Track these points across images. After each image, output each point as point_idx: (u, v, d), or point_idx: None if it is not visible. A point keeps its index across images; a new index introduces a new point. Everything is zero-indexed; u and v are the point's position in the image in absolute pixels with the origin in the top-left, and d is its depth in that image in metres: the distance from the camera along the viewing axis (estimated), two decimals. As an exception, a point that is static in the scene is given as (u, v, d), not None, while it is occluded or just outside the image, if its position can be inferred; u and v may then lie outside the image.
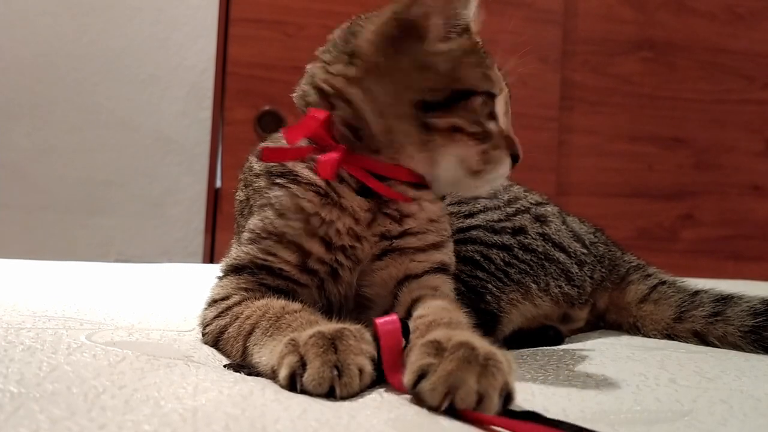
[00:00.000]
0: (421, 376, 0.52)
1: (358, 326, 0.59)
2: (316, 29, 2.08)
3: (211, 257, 1.97)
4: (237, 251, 0.75)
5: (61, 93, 1.92)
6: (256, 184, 0.77)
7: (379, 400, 0.54)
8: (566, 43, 2.27)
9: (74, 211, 1.93)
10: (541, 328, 0.91)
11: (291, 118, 2.00)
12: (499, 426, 0.47)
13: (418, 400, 0.52)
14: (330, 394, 0.53)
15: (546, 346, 0.85)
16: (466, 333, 0.57)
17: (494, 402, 0.49)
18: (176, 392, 0.52)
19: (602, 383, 0.62)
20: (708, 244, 2.36)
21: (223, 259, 0.80)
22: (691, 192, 2.36)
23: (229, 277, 0.74)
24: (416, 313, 0.67)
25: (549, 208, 0.99)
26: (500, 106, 0.76)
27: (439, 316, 0.63)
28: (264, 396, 0.54)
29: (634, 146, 2.33)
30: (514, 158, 0.76)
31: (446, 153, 0.72)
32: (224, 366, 0.65)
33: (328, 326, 0.58)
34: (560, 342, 0.89)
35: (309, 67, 0.79)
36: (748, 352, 0.85)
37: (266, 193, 0.74)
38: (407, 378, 0.53)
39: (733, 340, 0.87)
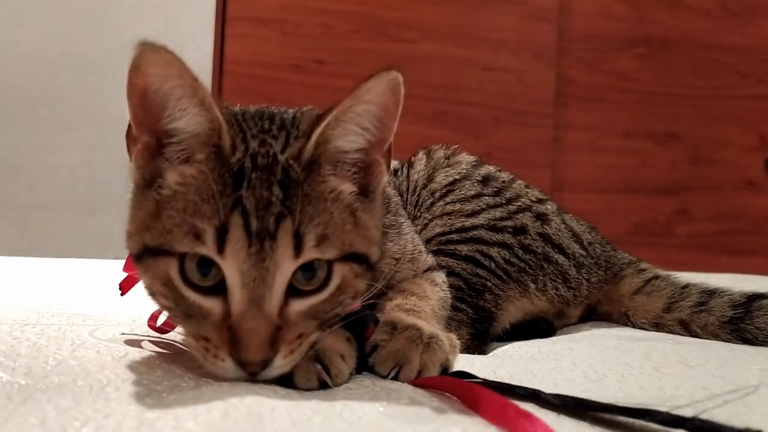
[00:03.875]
0: (375, 348, 0.60)
1: None
2: (313, 28, 2.10)
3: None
4: None
5: (60, 92, 1.93)
6: None
7: (372, 389, 0.56)
8: (561, 40, 2.29)
9: (73, 209, 1.94)
10: (534, 320, 0.93)
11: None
12: (433, 385, 0.55)
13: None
14: (323, 385, 0.55)
15: (539, 338, 0.87)
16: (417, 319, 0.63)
17: (433, 373, 0.58)
18: (178, 384, 0.54)
19: (588, 372, 0.65)
20: (703, 239, 2.38)
21: None
22: (686, 187, 2.38)
23: None
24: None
25: (549, 206, 1.01)
26: (232, 275, 0.52)
27: (405, 302, 0.69)
28: (262, 388, 0.55)
29: (629, 142, 2.35)
30: (240, 363, 0.53)
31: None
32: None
33: None
34: (552, 334, 0.91)
35: None
36: (727, 341, 0.88)
37: None
38: (367, 349, 0.61)
39: (713, 330, 0.90)
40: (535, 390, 0.54)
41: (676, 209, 2.38)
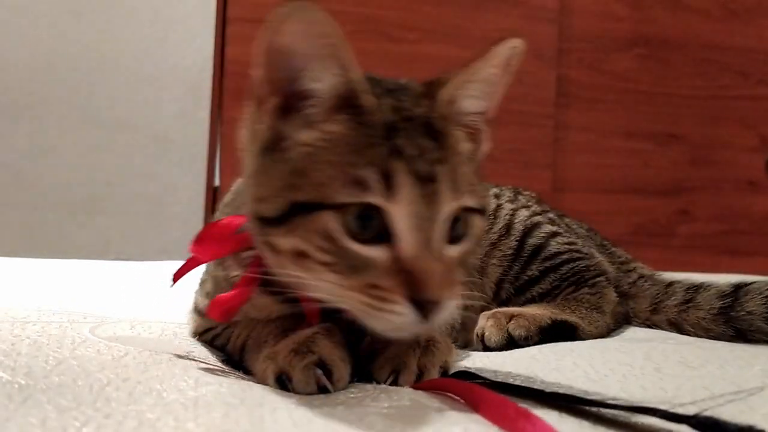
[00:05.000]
0: (372, 354, 0.60)
1: (328, 324, 0.61)
2: (313, 28, 2.10)
3: (210, 255, 1.99)
4: (200, 296, 0.74)
5: (60, 93, 1.93)
6: None
7: (373, 390, 0.56)
8: (562, 40, 2.29)
9: (73, 210, 1.94)
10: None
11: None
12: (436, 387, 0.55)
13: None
14: (322, 390, 0.55)
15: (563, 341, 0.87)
16: None
17: (433, 375, 0.58)
18: (178, 384, 0.54)
19: (589, 372, 0.65)
20: (704, 239, 2.38)
21: (201, 284, 0.77)
22: (687, 188, 2.38)
23: (201, 317, 0.74)
24: None
25: (551, 214, 1.03)
26: (403, 219, 0.52)
27: None
28: (262, 389, 0.56)
29: (630, 143, 2.35)
30: (420, 304, 0.51)
31: (310, 282, 0.54)
32: (222, 361, 0.67)
33: (300, 334, 0.59)
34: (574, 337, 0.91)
35: None
36: (720, 335, 0.87)
37: (215, 264, 0.68)
38: (363, 353, 0.60)
39: (705, 325, 0.89)
40: (536, 389, 0.54)
41: (677, 210, 2.38)
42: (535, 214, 0.99)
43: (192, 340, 0.74)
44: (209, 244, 0.62)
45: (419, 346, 0.59)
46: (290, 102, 0.56)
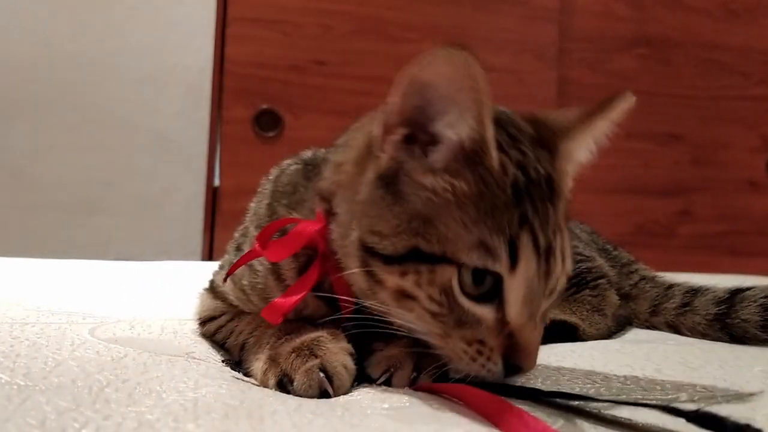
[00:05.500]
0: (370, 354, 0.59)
1: (333, 329, 0.61)
2: (314, 28, 2.10)
3: (210, 256, 1.99)
4: (221, 277, 0.73)
5: (59, 93, 1.93)
6: (254, 226, 0.70)
7: (372, 391, 0.56)
8: (562, 40, 2.29)
9: (72, 210, 1.94)
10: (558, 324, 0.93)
11: (288, 117, 2.02)
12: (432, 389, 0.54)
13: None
14: (323, 395, 0.54)
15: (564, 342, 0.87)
16: None
17: (430, 374, 0.56)
18: (177, 386, 0.54)
19: (590, 373, 0.64)
20: (705, 240, 2.38)
21: (223, 258, 0.80)
22: (688, 188, 2.38)
23: (214, 299, 0.75)
24: None
25: None
26: (517, 290, 0.53)
27: None
28: (262, 391, 0.55)
29: (631, 143, 2.34)
30: (511, 368, 0.54)
31: (406, 319, 0.56)
32: (222, 362, 0.67)
33: (304, 337, 0.59)
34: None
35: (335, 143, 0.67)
36: (717, 339, 0.88)
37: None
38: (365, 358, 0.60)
39: (702, 330, 0.90)
40: (532, 389, 0.54)
41: (678, 210, 2.38)
42: None
43: (192, 339, 0.74)
44: (281, 248, 0.61)
45: (417, 346, 0.58)
46: (418, 139, 0.56)
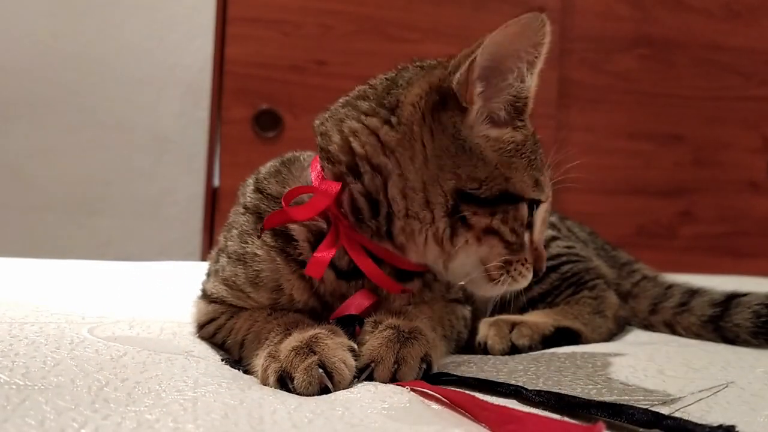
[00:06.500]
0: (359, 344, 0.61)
1: (331, 325, 0.62)
2: (314, 28, 2.09)
3: (210, 256, 1.99)
4: (213, 283, 0.74)
5: (59, 93, 1.93)
6: (242, 219, 0.72)
7: (373, 390, 0.55)
8: (563, 40, 2.28)
9: (72, 211, 1.94)
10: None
11: (288, 117, 2.02)
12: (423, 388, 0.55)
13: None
14: (323, 391, 0.55)
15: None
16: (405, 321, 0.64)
17: (413, 367, 0.58)
18: (177, 385, 0.53)
19: (591, 374, 0.64)
20: (706, 240, 2.37)
21: (208, 265, 0.80)
22: (689, 189, 2.37)
23: (210, 304, 0.75)
24: None
25: (552, 217, 1.03)
26: (540, 214, 0.69)
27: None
28: (262, 389, 0.55)
29: (632, 143, 2.34)
30: (535, 273, 0.69)
31: (469, 252, 0.64)
32: (222, 360, 0.66)
33: (303, 334, 0.59)
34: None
35: (338, 108, 0.70)
36: (711, 341, 0.88)
37: (247, 241, 0.69)
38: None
39: (696, 330, 0.91)
40: (517, 387, 0.54)
41: (679, 211, 2.37)
42: None
43: (191, 338, 0.74)
44: (307, 207, 0.65)
45: (399, 340, 0.59)
46: (488, 94, 0.65)
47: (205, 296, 0.77)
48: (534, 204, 0.67)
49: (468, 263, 0.66)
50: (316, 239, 0.67)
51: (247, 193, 0.74)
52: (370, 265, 0.65)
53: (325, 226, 0.67)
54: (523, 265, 0.67)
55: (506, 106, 0.66)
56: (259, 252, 0.68)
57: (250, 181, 0.76)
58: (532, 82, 0.66)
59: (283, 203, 0.66)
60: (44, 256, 1.46)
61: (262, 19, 2.05)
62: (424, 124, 0.64)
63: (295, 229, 0.68)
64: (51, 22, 1.92)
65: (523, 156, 0.66)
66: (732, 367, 0.68)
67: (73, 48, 1.93)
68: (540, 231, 0.70)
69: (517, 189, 0.65)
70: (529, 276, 0.68)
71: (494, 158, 0.64)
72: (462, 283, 0.68)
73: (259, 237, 0.69)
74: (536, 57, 0.64)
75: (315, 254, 0.64)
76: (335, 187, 0.65)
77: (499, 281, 0.66)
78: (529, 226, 0.67)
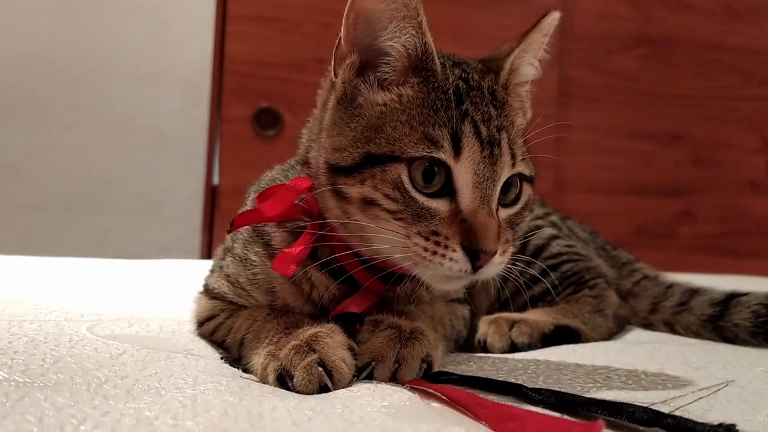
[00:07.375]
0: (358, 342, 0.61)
1: (331, 324, 0.62)
2: (314, 26, 2.09)
3: (208, 255, 1.98)
4: (216, 278, 0.75)
5: (59, 91, 1.93)
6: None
7: (372, 388, 0.55)
8: (563, 40, 2.28)
9: (71, 209, 1.94)
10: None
11: (288, 115, 2.01)
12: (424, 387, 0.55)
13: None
14: (323, 389, 0.55)
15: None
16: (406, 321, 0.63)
17: (413, 367, 0.57)
18: (176, 382, 0.53)
19: (591, 372, 0.64)
20: (706, 240, 2.37)
21: (213, 261, 0.81)
22: (689, 188, 2.38)
23: (211, 300, 0.76)
24: None
25: (554, 217, 1.03)
26: (465, 176, 0.58)
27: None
28: (261, 387, 0.55)
29: (632, 143, 2.34)
30: (473, 253, 0.57)
31: (370, 231, 0.60)
32: (221, 358, 0.66)
33: (303, 333, 0.59)
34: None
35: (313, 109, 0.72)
36: (709, 340, 0.89)
37: (247, 248, 0.70)
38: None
39: (695, 330, 0.91)
40: (517, 385, 0.54)
41: (679, 210, 2.37)
42: (537, 217, 1.01)
43: (191, 336, 0.74)
44: (275, 202, 0.64)
45: (400, 340, 0.59)
46: (368, 61, 0.62)
47: (207, 291, 0.77)
48: (435, 164, 0.58)
49: (384, 244, 0.59)
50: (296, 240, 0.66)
51: (248, 202, 0.76)
52: (349, 258, 0.64)
53: (308, 228, 0.66)
54: (437, 243, 0.57)
55: (390, 66, 0.62)
56: (254, 258, 0.70)
57: (254, 188, 0.78)
58: (419, 36, 0.60)
59: (255, 202, 0.66)
60: (43, 253, 1.45)
61: (262, 18, 2.05)
62: (320, 103, 0.67)
63: (271, 233, 0.68)
64: (51, 20, 1.92)
65: (406, 111, 0.59)
66: (732, 366, 0.68)
67: (73, 46, 1.93)
68: (472, 197, 0.58)
69: (382, 149, 0.58)
70: (454, 255, 0.57)
71: (368, 122, 0.60)
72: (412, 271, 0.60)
73: (228, 232, 0.70)
74: (409, 8, 0.59)
75: (283, 249, 0.64)
76: (305, 183, 0.65)
77: (424, 263, 0.57)
78: (449, 190, 0.58)
